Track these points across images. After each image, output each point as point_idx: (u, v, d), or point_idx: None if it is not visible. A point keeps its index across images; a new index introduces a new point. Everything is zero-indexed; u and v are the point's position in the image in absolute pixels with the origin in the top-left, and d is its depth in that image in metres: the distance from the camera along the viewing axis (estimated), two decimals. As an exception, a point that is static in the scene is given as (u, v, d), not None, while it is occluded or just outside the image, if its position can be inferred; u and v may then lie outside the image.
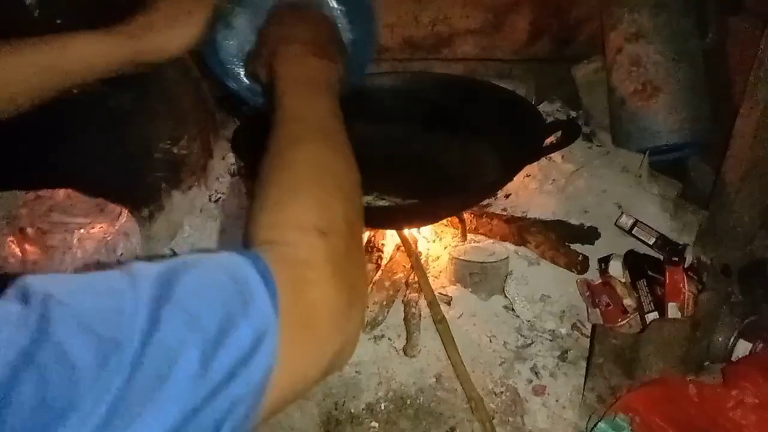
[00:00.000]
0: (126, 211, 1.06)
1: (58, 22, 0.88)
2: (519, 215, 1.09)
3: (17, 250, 1.11)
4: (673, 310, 0.87)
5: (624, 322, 0.92)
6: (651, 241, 0.99)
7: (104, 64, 0.59)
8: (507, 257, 1.00)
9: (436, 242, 1.07)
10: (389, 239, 1.05)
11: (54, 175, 0.93)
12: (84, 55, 0.58)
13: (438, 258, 1.04)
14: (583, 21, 1.33)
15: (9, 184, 0.97)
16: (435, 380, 0.87)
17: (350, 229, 0.44)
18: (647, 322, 0.88)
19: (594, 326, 0.87)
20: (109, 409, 0.26)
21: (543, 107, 1.31)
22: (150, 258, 1.07)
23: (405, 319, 0.93)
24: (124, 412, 0.27)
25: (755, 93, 0.96)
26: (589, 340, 0.90)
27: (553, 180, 1.15)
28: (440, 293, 0.96)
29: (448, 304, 0.95)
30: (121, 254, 1.10)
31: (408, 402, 0.85)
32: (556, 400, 0.85)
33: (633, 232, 1.01)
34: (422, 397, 0.85)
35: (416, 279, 0.97)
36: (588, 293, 0.95)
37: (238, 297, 0.33)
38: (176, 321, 0.30)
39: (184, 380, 0.29)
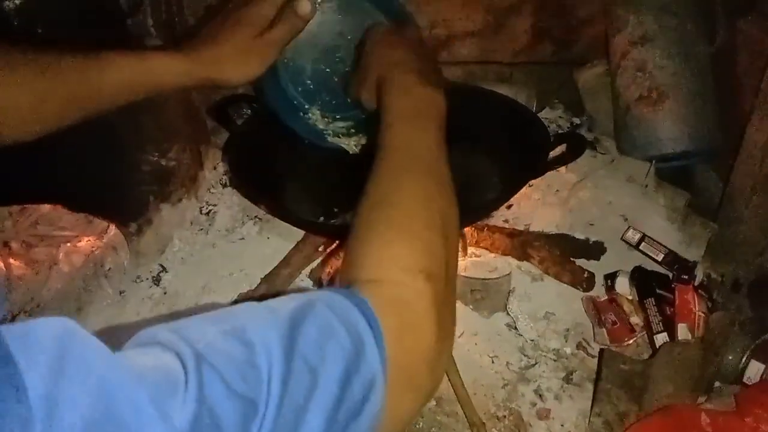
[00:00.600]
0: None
1: (39, 31, 0.84)
2: (521, 227, 1.06)
3: (1, 265, 1.07)
4: (683, 332, 0.83)
5: (631, 341, 0.89)
6: (659, 257, 0.96)
7: (173, 83, 0.62)
8: (509, 273, 0.96)
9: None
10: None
11: (36, 191, 0.89)
12: (160, 71, 0.60)
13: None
14: (586, 23, 1.28)
15: (-10, 202, 0.93)
16: (435, 404, 0.82)
17: (450, 270, 0.45)
18: (656, 345, 0.84)
19: (601, 351, 0.84)
20: None
21: (545, 114, 1.27)
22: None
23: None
24: None
25: (767, 100, 0.92)
26: (594, 359, 0.86)
27: (557, 190, 1.12)
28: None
29: (449, 322, 0.92)
30: (109, 269, 1.06)
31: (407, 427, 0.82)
32: (561, 425, 0.82)
33: (640, 247, 0.97)
34: (422, 422, 0.81)
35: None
36: (594, 311, 0.92)
37: (353, 348, 0.35)
38: (302, 378, 0.32)
39: None
